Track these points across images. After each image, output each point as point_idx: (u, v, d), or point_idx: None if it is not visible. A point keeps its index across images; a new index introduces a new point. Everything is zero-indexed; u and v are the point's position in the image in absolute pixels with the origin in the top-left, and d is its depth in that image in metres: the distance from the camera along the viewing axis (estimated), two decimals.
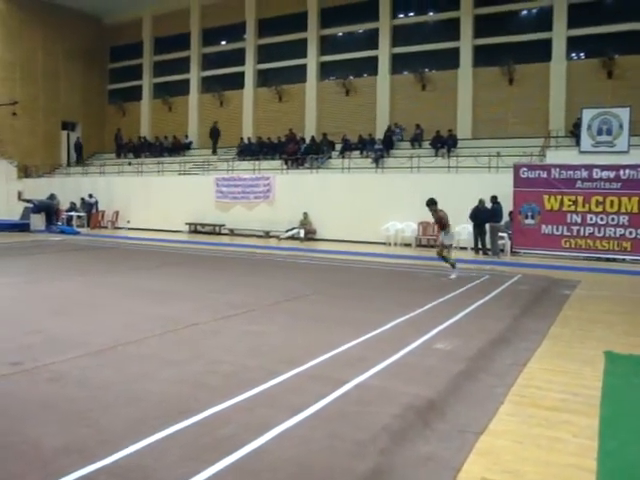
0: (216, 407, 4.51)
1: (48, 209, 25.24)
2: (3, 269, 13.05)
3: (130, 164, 30.63)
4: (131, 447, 3.76)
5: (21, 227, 25.07)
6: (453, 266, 12.62)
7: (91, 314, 8.26)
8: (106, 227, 27.01)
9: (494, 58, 24.59)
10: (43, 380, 5.18)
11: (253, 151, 27.53)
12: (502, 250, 17.92)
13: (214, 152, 29.34)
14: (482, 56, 25.27)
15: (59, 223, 25.38)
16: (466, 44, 25.34)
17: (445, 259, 12.66)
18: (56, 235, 22.81)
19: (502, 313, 8.71)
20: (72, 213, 27.07)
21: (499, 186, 18.10)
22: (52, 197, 25.98)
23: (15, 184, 30.62)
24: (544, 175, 17.44)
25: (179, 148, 31.30)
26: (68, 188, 28.49)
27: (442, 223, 12.47)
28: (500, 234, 17.84)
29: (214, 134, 29.44)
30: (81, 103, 34.87)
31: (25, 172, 31.62)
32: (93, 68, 35.61)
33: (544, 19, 24.15)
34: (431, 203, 12.63)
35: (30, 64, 32.26)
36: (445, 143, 23.41)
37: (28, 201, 26.56)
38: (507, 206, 17.82)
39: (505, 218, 17.95)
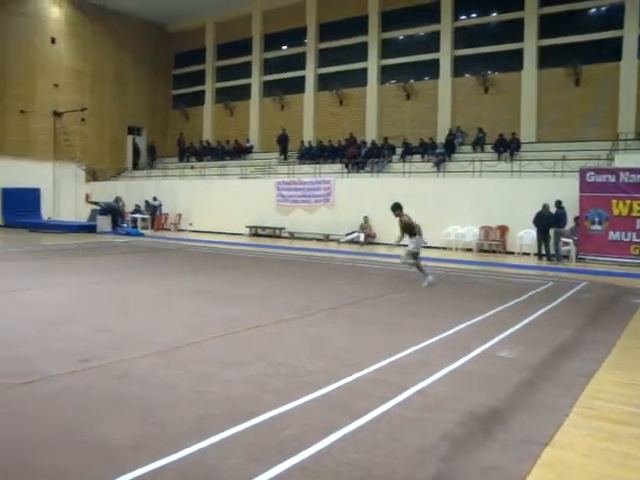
0: (278, 409, 4.56)
1: (114, 211, 26.02)
2: (73, 269, 13.51)
3: (193, 168, 31.26)
4: (195, 446, 3.85)
5: (88, 228, 25.91)
6: (421, 270, 11.94)
7: (155, 314, 8.48)
8: (169, 229, 27.62)
9: (560, 59, 23.96)
10: (111, 377, 5.35)
11: (313, 155, 27.68)
12: (566, 256, 17.46)
13: (285, 158, 29.41)
14: (547, 57, 24.69)
15: (124, 225, 26.12)
16: (530, 45, 24.82)
17: (419, 267, 11.94)
18: (121, 236, 23.50)
19: (567, 321, 8.49)
20: (137, 215, 27.84)
21: (564, 191, 17.65)
22: (117, 200, 26.76)
23: (83, 187, 31.68)
24: (612, 179, 16.88)
25: (240, 152, 31.76)
26: (133, 191, 29.32)
27: (407, 229, 11.83)
28: (565, 240, 17.39)
29: (282, 140, 29.56)
30: (146, 108, 35.86)
31: (93, 175, 32.66)
32: (158, 74, 36.58)
33: (614, 17, 23.39)
34: (395, 208, 11.90)
35: (99, 72, 33.35)
36: (508, 147, 22.98)
37: (95, 203, 27.47)
38: (572, 211, 17.33)
39: (570, 223, 17.49)
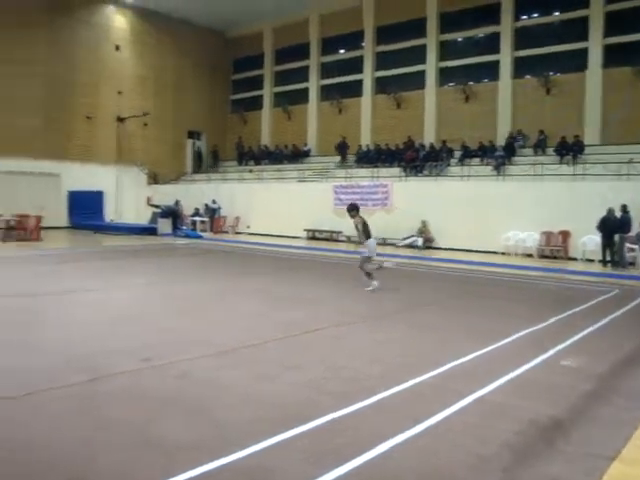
0: (337, 413, 4.55)
1: (174, 214, 26.55)
2: (135, 270, 13.85)
3: (251, 171, 31.64)
4: (253, 447, 3.88)
5: (149, 230, 26.52)
6: (369, 276, 11.49)
7: (215, 315, 8.60)
8: (227, 232, 28.01)
9: (626, 57, 23.17)
10: (170, 377, 5.45)
11: (371, 158, 27.61)
12: (632, 263, 16.86)
13: (343, 162, 29.34)
14: (613, 56, 23.90)
15: (184, 227, 26.61)
16: (595, 44, 24.11)
17: (367, 273, 11.53)
18: (181, 239, 23.96)
19: (633, 331, 8.20)
20: (196, 218, 28.33)
21: (630, 195, 17.07)
22: (177, 203, 27.30)
23: (145, 190, 32.44)
24: None
25: (298, 156, 31.96)
26: (193, 194, 29.85)
27: (367, 230, 11.53)
28: (630, 246, 16.80)
29: (341, 148, 29.52)
30: (206, 113, 36.48)
31: (154, 179, 33.44)
32: (217, 80, 37.18)
33: None
34: (352, 209, 11.67)
35: (161, 78, 34.14)
36: (571, 149, 22.36)
37: (156, 206, 28.08)
38: (639, 216, 16.72)
39: (636, 229, 16.87)
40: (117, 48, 32.45)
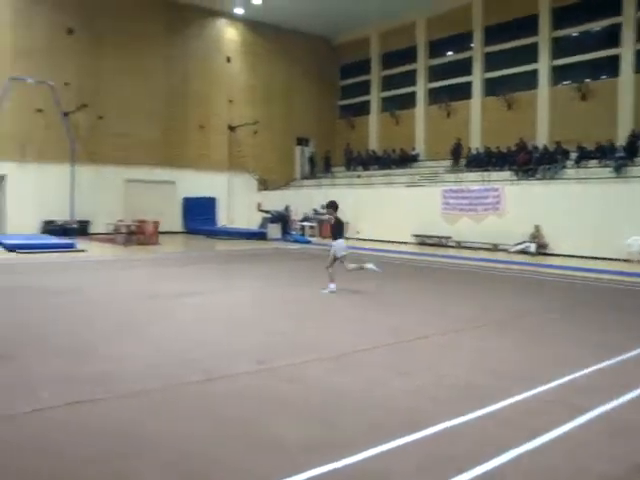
0: (448, 422, 4.45)
1: (284, 219, 27.07)
2: (246, 274, 14.23)
3: (359, 177, 31.72)
4: (367, 451, 3.87)
5: (259, 235, 27.20)
6: (331, 276, 11.04)
7: (324, 320, 8.66)
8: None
9: None
10: (284, 380, 5.54)
11: (481, 161, 26.94)
12: None
13: (456, 166, 28.81)
14: None
15: (293, 232, 27.07)
16: None
17: (331, 274, 11.05)
18: (290, 244, 24.38)
19: None
20: (305, 223, 28.73)
21: None
22: (286, 208, 27.80)
23: (255, 196, 33.31)
24: None
25: (406, 160, 31.70)
26: (301, 200, 30.31)
27: (340, 230, 11.12)
28: None
29: (456, 150, 28.96)
30: (314, 120, 36.96)
31: (264, 185, 34.26)
32: (325, 86, 37.58)
33: None
34: (329, 205, 11.18)
35: (269, 86, 34.97)
36: None
37: (266, 212, 28.74)
38: None
39: None
40: (228, 60, 33.58)
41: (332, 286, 11.01)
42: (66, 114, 25.43)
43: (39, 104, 26.48)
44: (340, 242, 11.15)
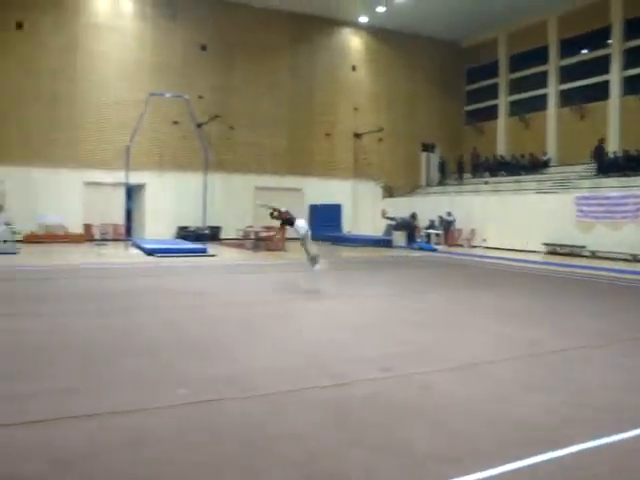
0: (587, 443, 4.21)
1: (409, 226, 26.88)
2: (372, 281, 14.26)
3: (487, 183, 30.90)
4: (501, 467, 3.76)
5: (384, 243, 27.18)
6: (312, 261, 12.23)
7: (452, 329, 8.50)
8: (462, 245, 27.61)
9: None
10: (411, 388, 5.51)
11: (619, 166, 25.39)
12: None
13: (603, 173, 27.28)
14: None
15: (418, 240, 26.81)
16: None
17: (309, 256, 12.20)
18: (415, 251, 24.16)
19: None
20: (430, 231, 28.35)
21: None
22: (413, 216, 27.58)
23: (380, 203, 33.36)
24: None
25: (537, 166, 30.50)
26: (427, 207, 29.96)
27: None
28: None
29: (599, 152, 27.35)
30: (438, 125, 36.39)
31: (389, 192, 34.23)
32: (450, 91, 36.91)
33: None
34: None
35: (393, 93, 34.90)
36: None
37: (391, 219, 28.64)
38: None
39: None
40: (353, 68, 33.95)
41: (318, 267, 12.46)
42: (200, 125, 26.73)
43: (175, 116, 28.09)
44: (299, 222, 12.65)
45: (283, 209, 12.81)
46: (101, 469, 3.70)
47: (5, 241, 20.86)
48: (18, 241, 22.24)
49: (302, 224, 12.64)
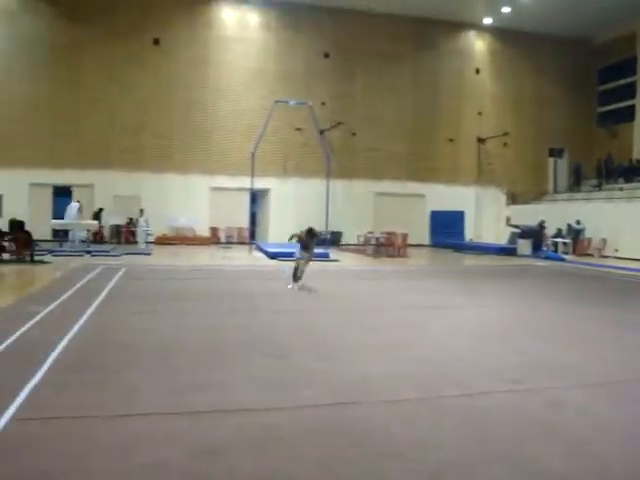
0: None
1: (535, 235, 25.83)
2: (496, 291, 13.79)
3: (622, 189, 29.10)
4: None
5: (507, 251, 26.25)
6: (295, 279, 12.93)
7: (582, 344, 8.00)
8: (592, 255, 26.16)
9: None
10: (543, 403, 5.23)
11: None
12: None
13: None
14: None
15: (544, 249, 25.69)
16: None
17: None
18: (541, 260, 23.14)
19: None
20: (558, 239, 27.09)
21: None
22: (541, 224, 26.48)
23: (504, 210, 32.37)
24: None
25: None
26: (554, 214, 28.67)
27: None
28: None
29: None
30: (567, 129, 34.65)
31: (513, 199, 33.11)
32: (580, 92, 35.04)
33: None
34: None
35: (519, 95, 33.73)
36: None
37: (515, 227, 27.71)
38: None
39: None
40: (477, 71, 33.22)
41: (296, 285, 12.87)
42: (322, 132, 27.12)
43: (298, 123, 28.69)
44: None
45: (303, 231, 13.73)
46: (234, 463, 3.80)
47: (145, 242, 22.31)
48: (151, 242, 23.62)
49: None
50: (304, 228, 14.01)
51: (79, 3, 27.80)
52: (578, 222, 27.05)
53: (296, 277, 12.99)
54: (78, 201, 23.62)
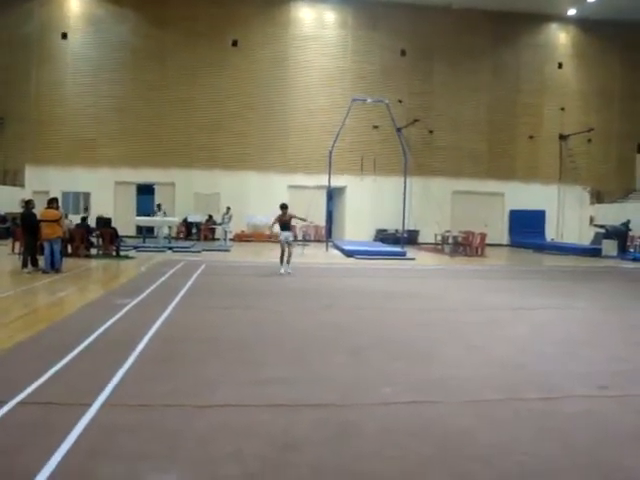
0: None
1: (621, 235, 24.80)
2: (580, 293, 13.34)
3: None
4: None
5: (592, 252, 25.30)
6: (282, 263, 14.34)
7: None
8: None
9: None
10: (630, 410, 5.02)
11: None
12: None
13: None
14: None
15: (631, 250, 24.62)
16: None
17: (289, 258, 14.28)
18: (628, 262, 22.18)
19: None
20: None
21: None
22: (626, 223, 25.42)
23: (587, 210, 31.25)
24: None
25: None
26: None
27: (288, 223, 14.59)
28: None
29: None
30: None
31: (597, 197, 31.91)
32: None
33: None
34: (283, 207, 14.72)
35: (605, 89, 32.38)
36: None
37: (600, 226, 26.68)
38: None
39: None
40: (560, 65, 32.16)
41: (285, 268, 14.26)
42: (399, 129, 26.88)
43: (375, 121, 28.66)
44: (288, 233, 14.63)
45: (287, 216, 14.67)
46: (313, 457, 3.85)
47: (224, 239, 22.90)
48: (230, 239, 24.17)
49: (289, 233, 14.75)
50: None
51: (162, 8, 28.72)
52: None
53: (283, 261, 14.21)
54: (159, 205, 24.38)
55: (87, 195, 28.52)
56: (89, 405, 4.61)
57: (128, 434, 4.12)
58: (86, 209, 27.51)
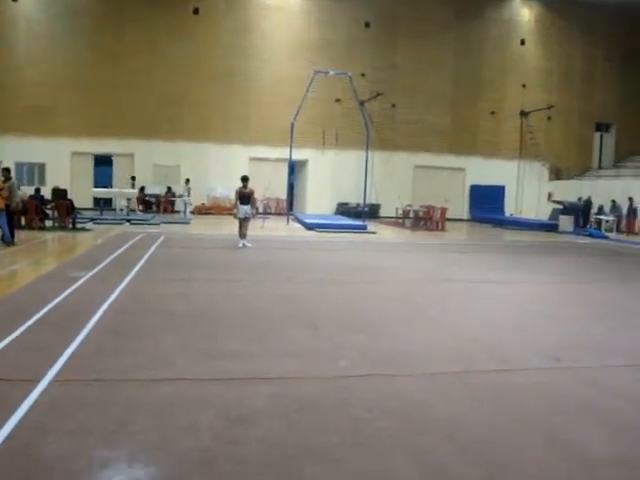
0: None
1: (577, 211, 25.24)
2: (537, 267, 13.54)
3: None
4: None
5: (548, 227, 25.74)
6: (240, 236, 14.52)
7: (630, 324, 7.80)
8: (638, 233, 25.47)
9: None
10: (584, 382, 5.14)
11: None
12: None
13: None
14: None
15: (587, 226, 25.10)
16: None
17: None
18: (584, 238, 22.63)
19: None
20: (601, 217, 26.41)
21: None
22: (587, 200, 25.77)
23: (546, 185, 31.71)
24: None
25: None
26: (598, 191, 27.95)
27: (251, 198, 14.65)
28: None
29: None
30: (616, 104, 33.50)
31: (556, 174, 32.38)
32: (632, 68, 33.79)
33: None
34: (244, 179, 14.65)
35: (566, 68, 32.62)
36: None
37: (558, 202, 27.12)
38: None
39: None
40: (522, 42, 32.27)
41: (243, 243, 14.45)
42: (362, 103, 26.76)
43: (337, 94, 28.41)
44: (248, 207, 14.53)
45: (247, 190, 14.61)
46: (269, 431, 3.81)
47: (184, 212, 22.59)
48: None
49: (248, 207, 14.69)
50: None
51: None
52: (630, 199, 26.20)
53: (242, 234, 14.44)
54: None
55: (42, 166, 27.76)
56: (39, 381, 4.48)
57: (78, 409, 4.03)
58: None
